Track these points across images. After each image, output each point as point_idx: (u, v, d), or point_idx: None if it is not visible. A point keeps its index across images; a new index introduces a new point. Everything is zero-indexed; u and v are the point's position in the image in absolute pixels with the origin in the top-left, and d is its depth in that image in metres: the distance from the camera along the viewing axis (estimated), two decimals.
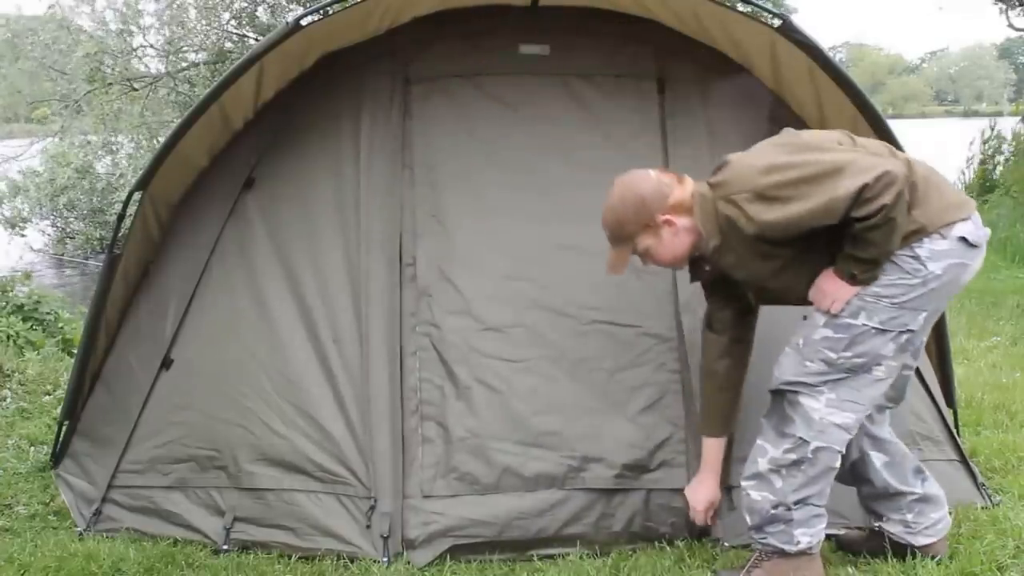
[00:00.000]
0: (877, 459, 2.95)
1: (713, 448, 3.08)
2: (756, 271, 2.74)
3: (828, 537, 3.09)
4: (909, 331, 2.69)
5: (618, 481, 3.24)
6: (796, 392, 2.72)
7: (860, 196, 2.46)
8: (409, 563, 3.11)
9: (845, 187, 2.47)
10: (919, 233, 2.61)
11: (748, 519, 2.84)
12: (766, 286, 2.79)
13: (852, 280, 2.64)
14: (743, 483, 2.84)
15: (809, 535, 2.79)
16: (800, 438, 2.71)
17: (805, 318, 2.81)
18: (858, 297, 2.65)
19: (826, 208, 2.49)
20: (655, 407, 3.32)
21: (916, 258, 2.62)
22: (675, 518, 3.23)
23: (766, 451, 2.78)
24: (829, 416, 2.70)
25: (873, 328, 2.65)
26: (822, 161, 2.54)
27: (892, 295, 2.63)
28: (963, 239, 2.64)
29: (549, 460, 3.24)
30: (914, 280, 2.62)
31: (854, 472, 2.99)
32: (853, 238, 2.56)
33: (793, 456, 2.72)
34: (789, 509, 2.75)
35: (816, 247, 2.66)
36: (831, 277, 2.68)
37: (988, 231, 2.73)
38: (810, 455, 2.71)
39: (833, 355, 2.68)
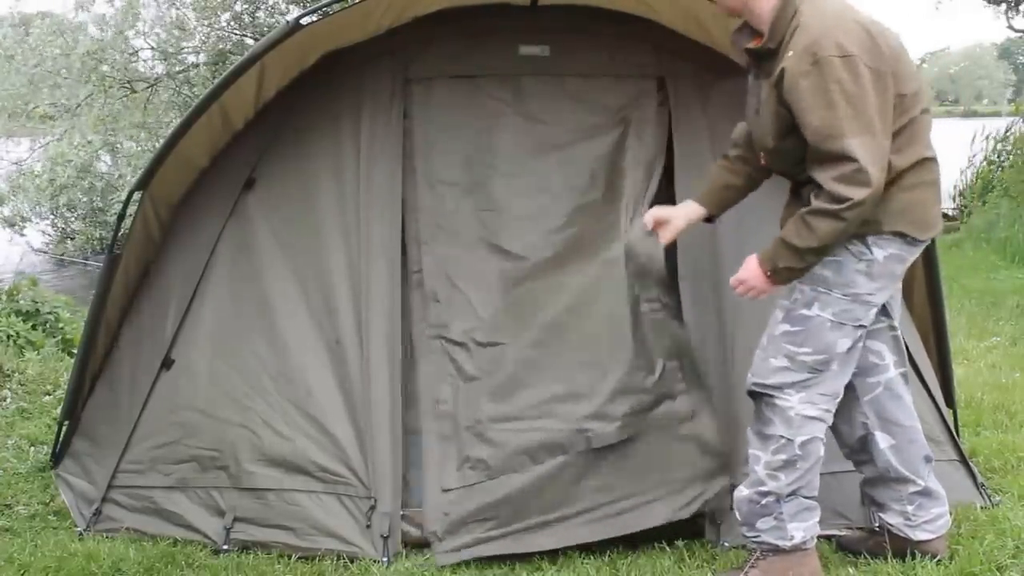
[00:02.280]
0: (882, 440, 2.93)
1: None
2: (764, 119, 2.71)
3: (828, 538, 3.10)
4: (862, 326, 2.74)
5: (622, 431, 3.22)
6: (770, 395, 2.76)
7: (845, 163, 2.49)
8: (428, 559, 3.13)
9: (851, 144, 2.48)
10: (875, 225, 2.63)
11: (738, 515, 2.88)
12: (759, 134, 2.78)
13: (772, 275, 2.68)
14: (741, 487, 2.87)
15: (802, 529, 2.80)
16: (782, 437, 2.75)
17: None
18: (811, 287, 2.68)
19: (827, 133, 2.50)
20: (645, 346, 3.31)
21: (862, 239, 2.64)
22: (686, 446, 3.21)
23: (759, 458, 2.81)
24: (803, 411, 2.74)
25: (828, 320, 2.68)
26: (871, 113, 2.51)
27: (842, 283, 2.67)
28: (905, 238, 2.68)
29: (552, 430, 3.23)
30: (859, 264, 2.66)
31: (863, 450, 2.98)
32: (798, 220, 2.59)
33: (783, 456, 2.76)
34: (779, 500, 2.77)
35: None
36: (752, 264, 2.73)
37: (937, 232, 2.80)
38: (799, 451, 2.75)
39: (793, 349, 2.71)
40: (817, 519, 2.85)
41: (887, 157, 2.56)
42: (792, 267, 2.65)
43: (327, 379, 3.30)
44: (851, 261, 2.66)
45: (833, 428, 2.91)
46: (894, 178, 2.61)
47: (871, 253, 2.66)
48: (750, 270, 2.73)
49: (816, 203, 2.56)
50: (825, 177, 2.53)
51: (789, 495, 2.78)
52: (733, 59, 3.43)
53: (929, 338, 3.65)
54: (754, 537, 2.84)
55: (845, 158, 2.49)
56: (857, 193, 2.49)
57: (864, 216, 2.55)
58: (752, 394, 2.82)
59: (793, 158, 2.70)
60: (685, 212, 3.02)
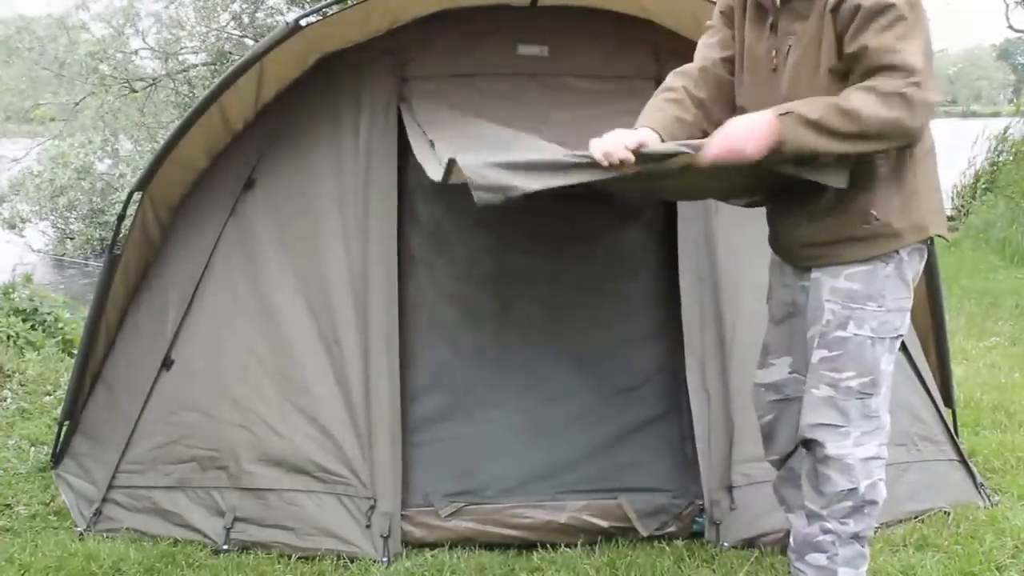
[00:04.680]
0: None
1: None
2: (797, 65, 2.43)
3: None
4: (899, 335, 2.53)
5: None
6: (822, 443, 2.49)
7: (903, 74, 2.23)
8: (428, 559, 3.15)
9: (910, 60, 2.23)
10: (901, 239, 2.44)
11: (792, 542, 2.67)
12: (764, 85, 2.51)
13: (780, 118, 2.26)
14: (801, 516, 2.64)
15: (852, 575, 2.57)
16: (844, 491, 2.49)
17: None
18: (842, 306, 2.46)
19: (888, 48, 2.23)
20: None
21: (894, 250, 2.46)
22: None
23: (819, 515, 2.54)
24: (861, 452, 2.49)
25: (867, 338, 2.46)
26: (925, 40, 2.28)
27: (875, 294, 2.45)
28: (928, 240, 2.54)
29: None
30: (887, 268, 2.45)
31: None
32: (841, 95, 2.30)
33: (849, 503, 2.50)
34: (836, 542, 2.53)
35: None
36: (760, 114, 2.31)
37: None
38: (865, 495, 2.50)
39: (836, 376, 2.48)
40: (866, 568, 2.60)
41: (937, 86, 2.32)
42: (807, 116, 2.26)
43: (327, 379, 3.30)
44: (880, 267, 2.45)
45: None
46: (915, 170, 2.44)
47: (898, 254, 2.45)
48: (749, 116, 2.33)
49: (858, 85, 2.27)
50: (875, 79, 2.26)
51: (848, 538, 2.54)
52: None
53: (928, 338, 3.65)
54: (800, 572, 2.62)
55: (905, 68, 2.23)
56: (910, 90, 2.22)
57: (906, 132, 2.28)
58: (806, 443, 2.55)
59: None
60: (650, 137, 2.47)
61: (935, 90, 2.29)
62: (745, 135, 2.28)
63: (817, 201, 2.47)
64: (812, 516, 2.57)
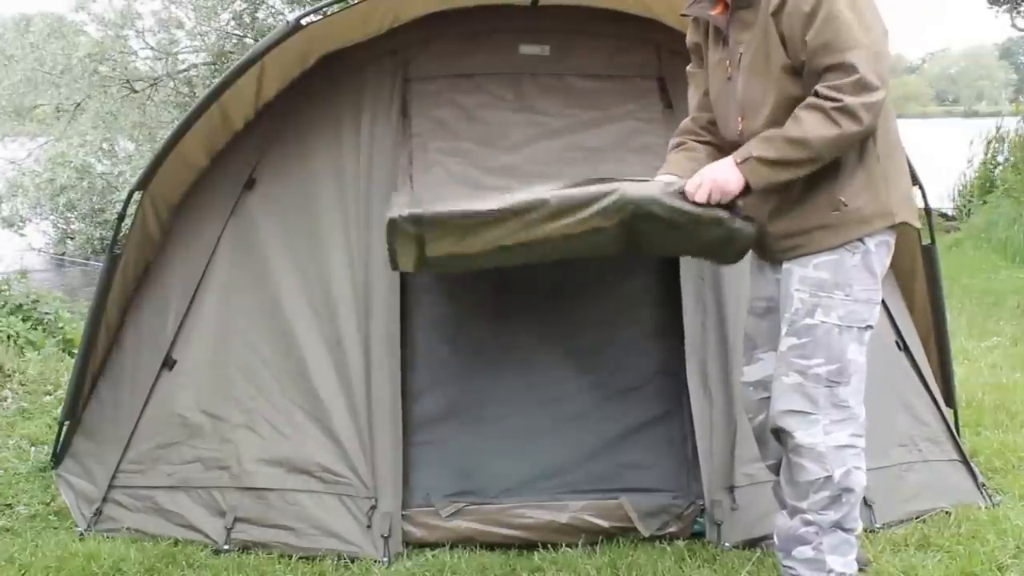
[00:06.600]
0: None
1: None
2: (749, 73, 2.56)
3: None
4: (869, 327, 2.58)
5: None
6: (791, 432, 2.55)
7: (845, 73, 2.36)
8: (428, 559, 3.14)
9: (851, 56, 2.35)
10: (870, 224, 2.52)
11: (776, 540, 2.70)
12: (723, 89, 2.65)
13: (741, 164, 2.46)
14: (782, 514, 2.68)
15: (841, 564, 2.60)
16: (818, 480, 2.54)
17: None
18: (810, 293, 2.53)
19: (825, 45, 2.36)
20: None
21: (860, 239, 2.53)
22: None
23: (799, 508, 2.59)
24: (832, 441, 2.54)
25: (834, 326, 2.52)
26: (870, 27, 2.41)
27: (842, 283, 2.52)
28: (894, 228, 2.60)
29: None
30: (855, 257, 2.52)
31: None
32: (792, 117, 2.44)
33: (826, 493, 2.54)
34: (819, 532, 2.58)
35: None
36: (723, 161, 2.52)
37: None
38: (840, 483, 2.54)
39: (804, 363, 2.54)
40: (855, 556, 2.64)
41: (888, 69, 2.44)
42: (764, 156, 2.44)
43: (329, 379, 3.30)
44: (847, 257, 2.52)
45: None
46: (880, 158, 2.52)
47: (864, 244, 2.53)
48: (715, 164, 2.54)
49: (808, 99, 2.41)
50: (821, 85, 2.39)
51: (830, 527, 2.58)
52: None
53: (930, 338, 3.65)
54: (790, 569, 2.65)
55: (844, 68, 2.36)
56: (851, 98, 2.35)
57: (856, 135, 2.41)
58: (777, 433, 2.61)
59: (782, 109, 2.50)
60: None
61: (880, 78, 2.39)
62: (717, 178, 2.49)
63: (787, 193, 2.56)
64: (793, 511, 2.62)
